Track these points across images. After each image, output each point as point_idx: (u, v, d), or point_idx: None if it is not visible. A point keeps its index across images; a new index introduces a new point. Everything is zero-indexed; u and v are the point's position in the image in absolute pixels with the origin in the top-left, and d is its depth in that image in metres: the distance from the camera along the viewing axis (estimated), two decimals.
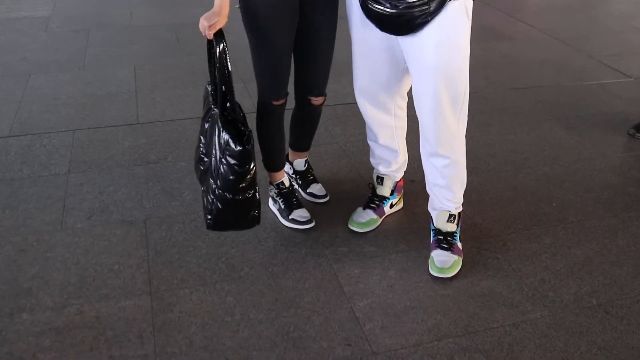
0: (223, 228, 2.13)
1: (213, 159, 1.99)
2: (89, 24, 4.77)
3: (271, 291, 2.06)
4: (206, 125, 2.06)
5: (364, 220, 2.37)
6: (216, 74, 2.00)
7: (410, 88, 2.12)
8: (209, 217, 2.04)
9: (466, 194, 2.24)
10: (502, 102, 3.55)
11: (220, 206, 1.99)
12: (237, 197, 1.97)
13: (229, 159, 1.93)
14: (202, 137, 2.10)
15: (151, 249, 2.24)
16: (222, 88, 1.99)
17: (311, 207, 2.46)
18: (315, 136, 2.52)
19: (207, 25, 1.91)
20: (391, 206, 2.46)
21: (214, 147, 1.99)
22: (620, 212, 2.54)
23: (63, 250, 2.23)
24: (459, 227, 2.23)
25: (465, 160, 2.17)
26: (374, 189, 2.45)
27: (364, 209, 2.41)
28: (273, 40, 2.08)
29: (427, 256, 2.19)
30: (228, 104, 2.01)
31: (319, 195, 2.54)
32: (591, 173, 2.83)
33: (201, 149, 2.10)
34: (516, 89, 3.74)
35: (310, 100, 2.31)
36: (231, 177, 1.93)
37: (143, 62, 4.03)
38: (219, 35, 1.96)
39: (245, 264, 2.18)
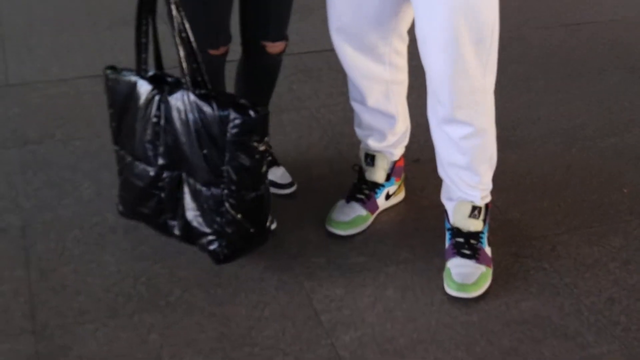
0: (239, 253, 2.23)
1: (203, 162, 2.08)
2: None
3: (214, 323, 2.12)
4: (160, 122, 2.12)
5: (349, 218, 2.46)
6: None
7: (413, 24, 2.21)
8: (221, 245, 2.14)
9: (496, 178, 2.33)
10: (548, 46, 3.70)
11: (240, 218, 2.11)
12: (259, 192, 2.14)
13: (243, 138, 2.04)
14: (149, 145, 2.16)
15: (34, 269, 2.29)
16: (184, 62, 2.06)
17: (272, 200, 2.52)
18: (274, 99, 2.61)
19: None
20: (387, 197, 2.54)
21: (197, 145, 2.07)
22: None
23: None
24: (487, 225, 2.32)
25: (494, 129, 2.26)
26: (361, 173, 2.53)
27: (347, 202, 2.50)
28: None
29: (442, 268, 2.27)
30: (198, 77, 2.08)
31: (282, 184, 2.63)
32: None
33: (152, 162, 2.17)
34: (567, 25, 3.92)
35: (265, 46, 2.41)
36: (249, 164, 2.08)
37: None
38: None
39: (176, 285, 2.24)
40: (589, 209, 2.58)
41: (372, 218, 2.49)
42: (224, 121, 2.03)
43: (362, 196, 2.49)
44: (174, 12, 2.03)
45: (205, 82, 2.10)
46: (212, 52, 2.31)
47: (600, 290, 2.25)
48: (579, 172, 2.78)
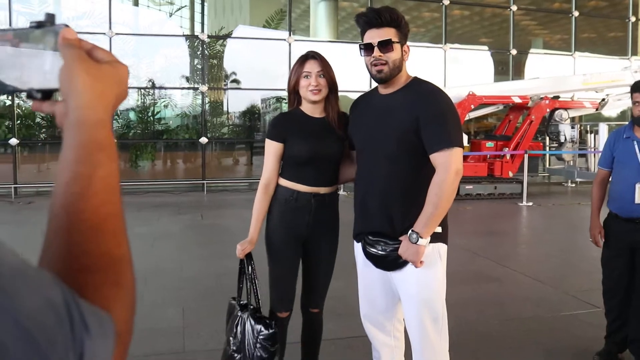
0: None
1: (247, 349, 3.00)
2: (146, 273, 6.77)
3: None
4: (236, 329, 3.10)
5: None
6: (247, 287, 3.21)
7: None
8: None
9: None
10: (491, 333, 5.12)
11: None
12: None
13: (263, 342, 2.99)
14: (231, 339, 3.11)
15: None
16: (253, 297, 3.15)
17: None
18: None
19: (240, 250, 3.20)
20: None
21: (246, 342, 3.01)
22: None
23: None
24: None
25: None
26: None
27: None
28: (283, 260, 3.30)
29: None
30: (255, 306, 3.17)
31: None
32: None
33: (232, 346, 3.13)
34: (504, 320, 5.42)
35: (309, 310, 3.49)
36: (265, 356, 3.04)
37: (190, 303, 5.75)
38: (249, 257, 3.21)
39: None
40: None
41: None
42: (259, 331, 2.98)
43: None
44: (252, 284, 3.17)
45: (259, 310, 3.12)
46: (280, 315, 3.31)
47: None
48: None
